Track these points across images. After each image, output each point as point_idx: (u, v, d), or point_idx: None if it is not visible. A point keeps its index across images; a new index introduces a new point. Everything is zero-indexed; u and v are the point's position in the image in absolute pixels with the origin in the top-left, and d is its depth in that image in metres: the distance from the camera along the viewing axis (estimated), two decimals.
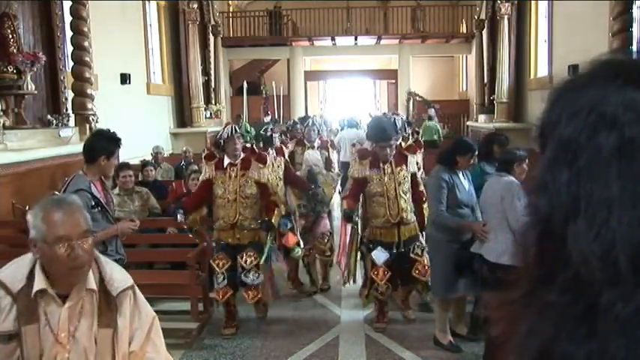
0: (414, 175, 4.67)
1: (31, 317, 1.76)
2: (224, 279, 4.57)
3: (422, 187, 4.70)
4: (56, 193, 4.45)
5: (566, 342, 0.50)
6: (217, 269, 4.58)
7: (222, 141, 4.58)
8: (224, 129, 4.65)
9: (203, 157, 4.83)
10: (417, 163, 4.90)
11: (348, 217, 4.66)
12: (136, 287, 1.96)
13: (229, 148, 4.55)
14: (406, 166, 4.60)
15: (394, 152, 4.57)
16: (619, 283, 0.48)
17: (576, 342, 0.50)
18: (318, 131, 6.73)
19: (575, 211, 0.50)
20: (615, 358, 0.47)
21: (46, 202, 1.85)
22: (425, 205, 4.64)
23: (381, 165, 4.55)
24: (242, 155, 4.63)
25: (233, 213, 4.54)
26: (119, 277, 1.92)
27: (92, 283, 1.84)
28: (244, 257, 4.57)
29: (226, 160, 4.60)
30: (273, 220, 4.62)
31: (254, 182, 4.57)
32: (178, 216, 4.51)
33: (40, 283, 1.77)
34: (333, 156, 6.60)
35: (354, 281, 5.01)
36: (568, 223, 0.51)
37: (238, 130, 4.70)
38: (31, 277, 1.80)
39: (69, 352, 1.78)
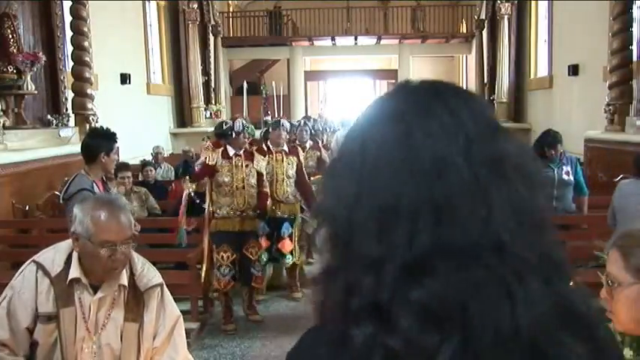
0: None
1: (67, 301, 1.84)
2: (230, 271, 4.67)
3: None
4: (56, 192, 4.46)
5: None
6: (222, 262, 4.64)
7: (232, 132, 4.67)
8: (234, 122, 4.76)
9: (208, 144, 4.88)
10: None
11: None
12: (165, 286, 2.00)
13: (239, 141, 4.69)
14: None
15: None
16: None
17: None
18: (310, 132, 6.73)
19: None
20: None
21: (99, 202, 1.89)
22: None
23: None
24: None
25: (242, 201, 4.69)
26: (149, 274, 1.98)
27: (124, 278, 1.90)
28: (250, 250, 4.75)
29: (231, 151, 4.72)
30: (266, 210, 4.88)
31: (256, 172, 4.78)
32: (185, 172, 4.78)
33: (75, 271, 1.84)
34: (325, 156, 6.63)
35: None
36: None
37: (246, 125, 4.81)
38: (68, 262, 1.87)
39: (95, 343, 1.84)
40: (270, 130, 5.49)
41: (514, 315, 0.53)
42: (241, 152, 4.74)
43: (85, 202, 1.90)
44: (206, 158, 4.68)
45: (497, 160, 0.57)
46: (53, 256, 1.90)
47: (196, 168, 4.73)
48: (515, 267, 0.54)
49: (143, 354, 1.87)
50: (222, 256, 4.66)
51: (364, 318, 0.54)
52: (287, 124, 5.65)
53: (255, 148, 4.90)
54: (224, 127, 4.77)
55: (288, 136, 5.70)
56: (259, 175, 4.82)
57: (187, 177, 4.77)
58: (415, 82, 0.64)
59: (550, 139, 4.83)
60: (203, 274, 4.78)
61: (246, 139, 4.75)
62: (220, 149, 4.73)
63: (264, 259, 5.17)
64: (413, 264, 0.54)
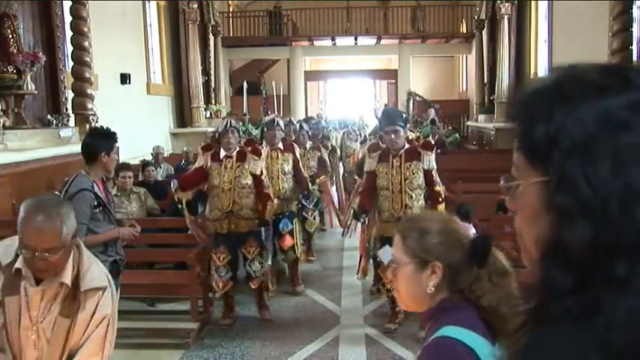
0: (428, 173, 4.46)
1: (12, 290, 1.90)
2: (227, 272, 4.69)
3: (438, 187, 4.51)
4: (56, 193, 4.46)
5: None
6: (219, 263, 4.66)
7: (217, 134, 4.71)
8: (221, 123, 4.82)
9: (200, 147, 4.94)
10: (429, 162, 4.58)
11: (355, 216, 4.69)
12: (108, 291, 2.01)
13: (223, 141, 4.70)
14: (418, 162, 4.45)
15: (403, 144, 4.48)
16: None
17: None
18: (308, 134, 6.84)
19: (636, 195, 0.57)
20: None
21: (33, 206, 1.90)
22: (441, 207, 4.47)
23: (390, 158, 4.49)
24: (237, 148, 4.76)
25: (227, 201, 4.66)
26: (93, 275, 1.99)
27: (67, 277, 1.93)
28: (247, 248, 4.74)
29: (222, 153, 4.71)
30: (266, 216, 4.77)
31: (249, 173, 4.71)
32: (173, 184, 4.75)
33: (19, 262, 1.90)
34: (326, 156, 6.78)
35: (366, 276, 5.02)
36: (629, 208, 0.57)
37: (234, 124, 4.81)
38: (18, 254, 1.92)
39: (35, 333, 1.91)
40: (266, 129, 5.58)
41: None
42: (233, 153, 4.70)
43: (26, 202, 1.92)
44: (197, 162, 4.73)
45: None
46: (7, 247, 1.97)
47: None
48: None
49: (67, 350, 1.92)
50: (219, 257, 4.68)
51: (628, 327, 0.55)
52: (282, 123, 5.76)
53: (249, 148, 4.82)
54: (219, 128, 4.83)
55: (283, 134, 5.75)
56: (256, 176, 4.72)
57: (177, 183, 4.72)
58: None
59: None
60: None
61: (231, 138, 4.67)
62: (210, 152, 4.74)
63: (290, 256, 5.31)
64: None
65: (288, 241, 5.37)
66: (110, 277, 2.11)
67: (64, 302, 1.93)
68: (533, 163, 0.64)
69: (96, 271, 2.02)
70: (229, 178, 4.66)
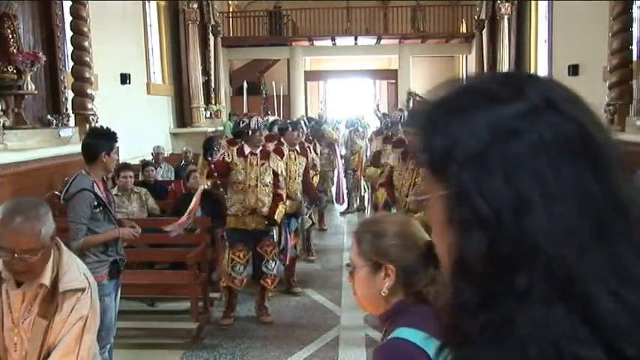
0: None
1: None
2: (244, 269, 4.76)
3: None
4: (56, 192, 4.46)
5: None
6: (238, 260, 4.70)
7: (249, 130, 4.71)
8: (251, 120, 4.82)
9: (225, 141, 4.95)
10: None
11: (388, 207, 4.73)
12: (88, 292, 2.00)
13: (255, 139, 4.73)
14: None
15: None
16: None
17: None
18: (307, 133, 6.93)
19: (527, 205, 0.56)
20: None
21: (11, 208, 1.90)
22: None
23: (408, 160, 4.46)
24: (261, 147, 4.86)
25: (254, 199, 4.72)
26: (72, 277, 1.99)
27: (46, 278, 1.93)
28: (264, 248, 4.82)
29: (247, 149, 4.75)
30: (276, 217, 4.82)
31: (272, 172, 4.81)
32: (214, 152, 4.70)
33: None
34: (316, 157, 6.87)
35: None
36: (521, 218, 0.56)
37: (262, 122, 4.95)
38: None
39: (17, 335, 1.92)
40: (290, 129, 5.70)
41: None
42: (257, 151, 4.78)
43: (5, 204, 1.92)
44: (222, 155, 4.71)
45: None
46: None
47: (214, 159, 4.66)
48: None
49: (44, 351, 1.92)
50: (239, 255, 4.71)
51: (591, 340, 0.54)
52: (304, 125, 5.95)
53: (272, 148, 4.96)
54: (241, 125, 4.84)
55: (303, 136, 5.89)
56: (275, 175, 4.83)
57: (207, 161, 4.65)
58: None
59: None
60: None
61: (262, 138, 4.81)
62: (236, 147, 4.78)
63: (293, 254, 5.39)
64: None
65: (293, 239, 5.42)
66: (91, 278, 2.09)
67: (42, 303, 1.93)
68: (436, 177, 0.63)
69: (75, 273, 2.01)
70: (255, 175, 4.72)
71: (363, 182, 8.89)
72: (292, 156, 5.57)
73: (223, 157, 4.72)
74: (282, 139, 5.65)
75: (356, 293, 1.44)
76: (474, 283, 0.58)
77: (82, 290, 1.99)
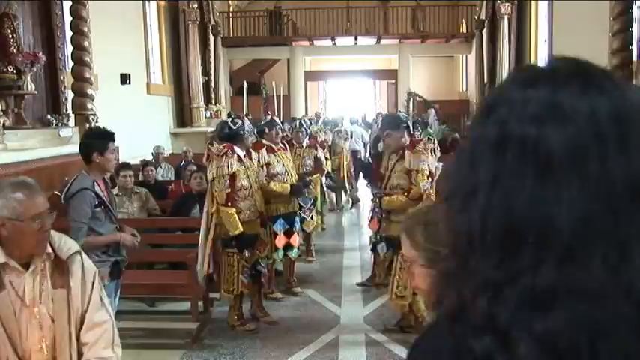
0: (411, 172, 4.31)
1: None
2: (250, 272, 4.73)
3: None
4: (56, 193, 4.45)
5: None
6: (246, 264, 4.61)
7: (243, 132, 4.62)
8: (244, 122, 4.76)
9: (222, 153, 4.50)
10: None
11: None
12: (82, 252, 2.12)
13: (247, 141, 4.69)
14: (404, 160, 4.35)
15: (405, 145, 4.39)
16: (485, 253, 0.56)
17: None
18: (306, 132, 6.89)
19: (453, 193, 0.60)
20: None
21: (14, 185, 1.98)
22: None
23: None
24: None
25: (260, 201, 4.74)
26: (67, 244, 2.09)
27: (48, 247, 2.02)
28: (260, 248, 4.79)
29: (239, 152, 4.58)
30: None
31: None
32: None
33: (1, 256, 1.93)
34: (322, 155, 6.87)
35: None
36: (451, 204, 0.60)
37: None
38: None
39: (38, 314, 1.95)
40: (267, 130, 5.35)
41: None
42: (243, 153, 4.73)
43: (2, 188, 1.98)
44: (227, 168, 4.46)
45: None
46: None
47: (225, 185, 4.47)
48: None
49: (74, 316, 1.99)
50: (245, 259, 4.62)
51: (482, 332, 0.55)
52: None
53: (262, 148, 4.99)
54: (234, 127, 4.61)
55: (282, 134, 5.79)
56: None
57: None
58: None
59: None
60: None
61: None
62: (235, 155, 4.53)
63: (294, 254, 5.35)
64: (536, 293, 0.53)
65: (294, 239, 5.32)
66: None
67: (52, 275, 1.99)
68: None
69: (67, 240, 2.12)
70: (254, 178, 4.71)
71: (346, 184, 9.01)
72: (282, 154, 5.40)
73: (229, 170, 4.48)
74: (262, 142, 5.42)
75: (419, 287, 1.43)
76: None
77: (79, 251, 2.10)
